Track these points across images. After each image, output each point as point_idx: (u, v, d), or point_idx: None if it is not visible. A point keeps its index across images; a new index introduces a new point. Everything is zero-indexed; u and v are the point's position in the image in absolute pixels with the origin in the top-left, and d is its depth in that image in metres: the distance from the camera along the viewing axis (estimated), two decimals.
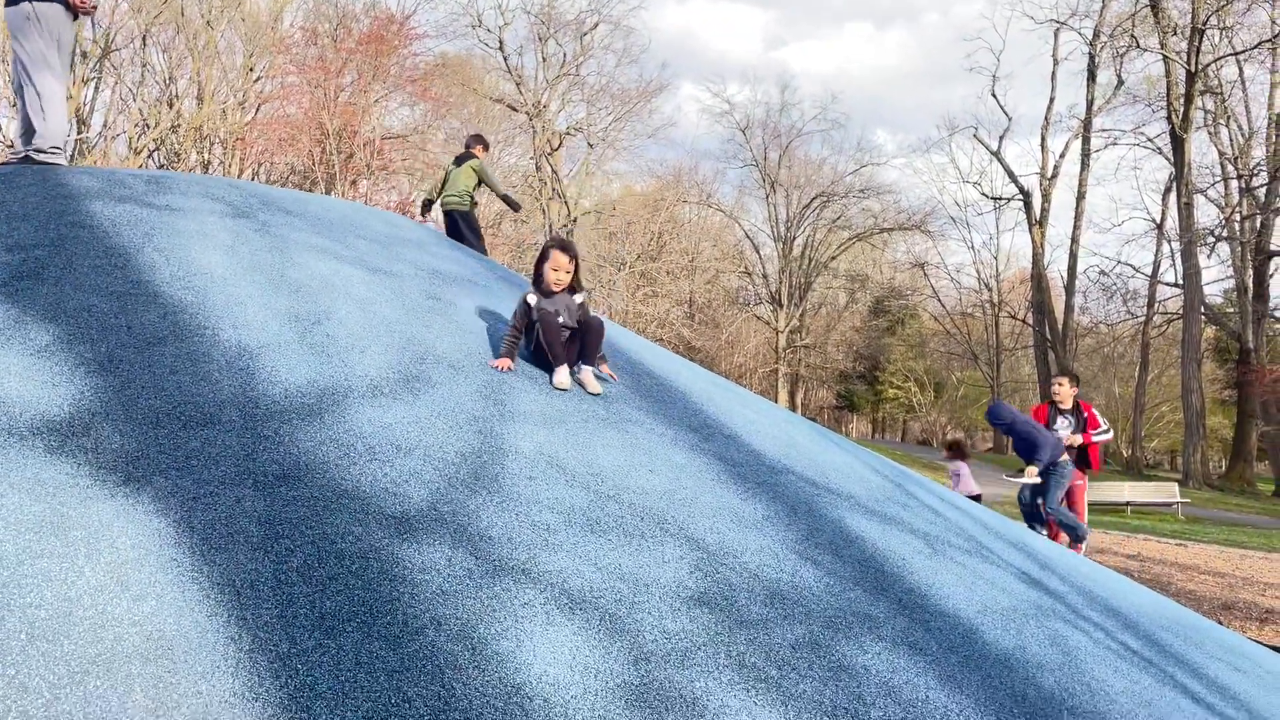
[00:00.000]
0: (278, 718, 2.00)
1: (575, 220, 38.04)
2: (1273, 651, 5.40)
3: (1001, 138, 49.46)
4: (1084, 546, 8.36)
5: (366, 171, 30.56)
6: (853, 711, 2.67)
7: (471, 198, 9.59)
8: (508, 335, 4.24)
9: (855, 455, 5.30)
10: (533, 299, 4.28)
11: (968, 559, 4.13)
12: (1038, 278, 46.73)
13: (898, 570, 3.68)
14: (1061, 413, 8.78)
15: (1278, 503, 34.08)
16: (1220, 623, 7.39)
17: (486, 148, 10.04)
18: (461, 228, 9.34)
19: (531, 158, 41.34)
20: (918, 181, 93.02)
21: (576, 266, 4.41)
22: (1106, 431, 8.70)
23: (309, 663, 2.16)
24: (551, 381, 4.11)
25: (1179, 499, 24.57)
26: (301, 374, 3.42)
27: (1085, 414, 8.67)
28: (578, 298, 4.42)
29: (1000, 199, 51.67)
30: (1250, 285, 38.40)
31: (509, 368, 4.10)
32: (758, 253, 55.40)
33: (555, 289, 4.33)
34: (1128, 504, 24.22)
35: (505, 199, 9.80)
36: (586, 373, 4.25)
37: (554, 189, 38.51)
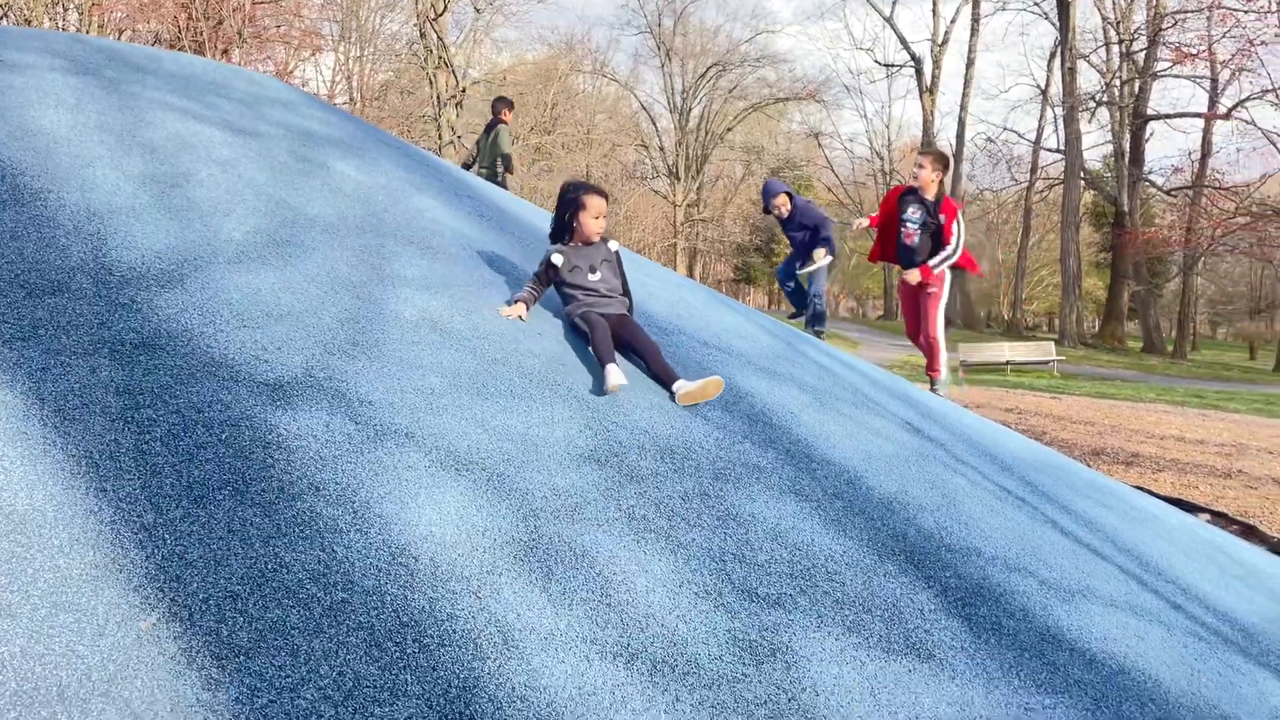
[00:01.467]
0: (144, 588, 1.91)
1: (464, 91, 36.55)
2: (1137, 490, 5.75)
3: (895, 2, 49.22)
4: (823, 335, 7.77)
5: (238, 40, 28.64)
6: (740, 557, 2.72)
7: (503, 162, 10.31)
8: (527, 285, 3.77)
9: (747, 316, 5.32)
10: (559, 258, 3.71)
11: (854, 411, 4.22)
12: (928, 145, 47.33)
13: (786, 423, 3.73)
14: (917, 201, 6.83)
15: (1146, 358, 36.20)
16: (1090, 466, 7.84)
17: (511, 107, 10.77)
18: None
19: (415, 24, 39.30)
20: (812, 49, 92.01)
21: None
22: (952, 254, 6.66)
23: (177, 533, 2.07)
24: (604, 386, 3.35)
25: (1055, 357, 25.84)
26: (159, 239, 3.20)
27: (943, 216, 6.70)
28: (611, 245, 3.88)
29: (892, 66, 51.74)
30: (1127, 150, 39.68)
31: (522, 317, 3.65)
32: (654, 125, 54.60)
33: (595, 239, 3.80)
34: (1008, 363, 25.35)
35: (504, 158, 10.50)
36: (683, 385, 3.55)
37: (440, 58, 36.80)
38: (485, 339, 3.35)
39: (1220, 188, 37.82)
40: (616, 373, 3.36)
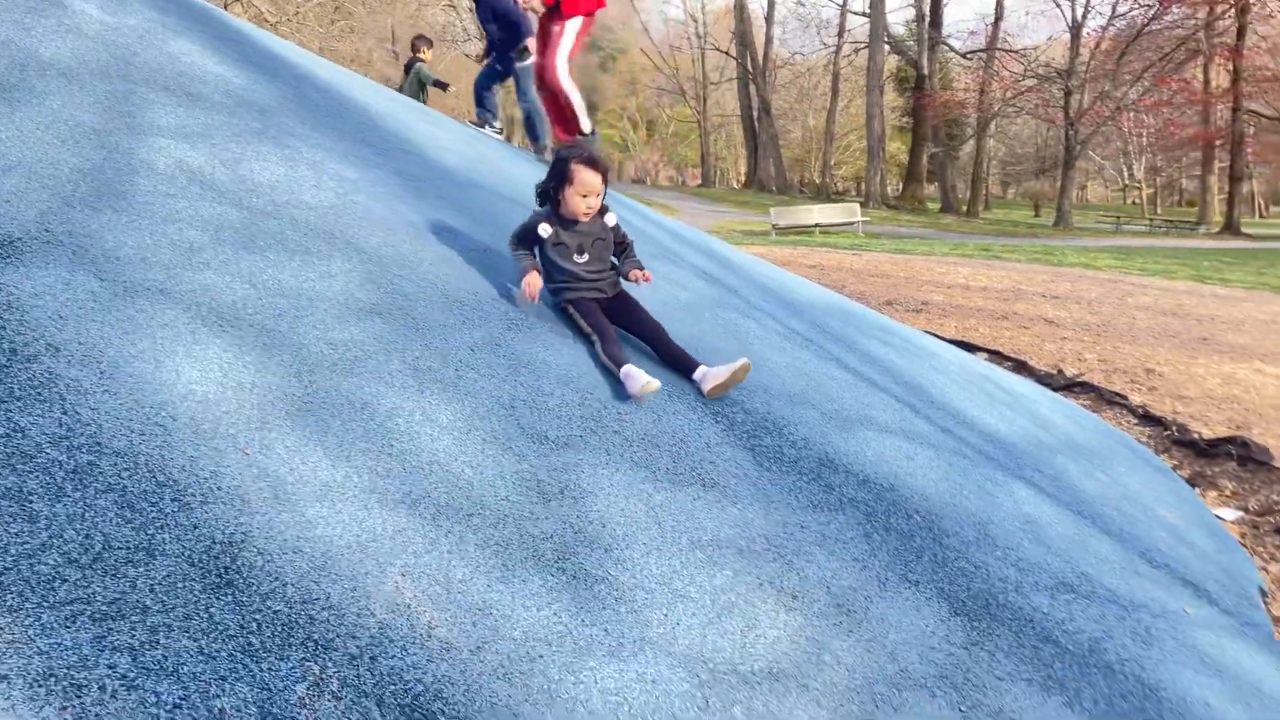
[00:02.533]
0: None
1: None
2: (923, 333, 6.12)
3: None
4: (549, 149, 6.47)
5: None
6: (531, 403, 2.72)
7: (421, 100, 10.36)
8: (521, 258, 3.25)
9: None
10: (547, 230, 3.21)
11: (653, 262, 4.24)
12: (740, 8, 47.23)
13: None
14: None
15: (942, 218, 38.31)
16: (882, 314, 8.28)
17: (431, 45, 11.20)
18: None
19: None
20: None
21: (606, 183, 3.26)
22: None
23: None
24: (630, 392, 2.94)
25: (860, 218, 26.97)
26: None
27: None
28: (609, 219, 3.34)
29: None
30: (927, 13, 40.88)
31: (534, 299, 3.20)
32: None
33: (584, 219, 3.24)
34: (816, 225, 26.27)
35: (436, 84, 10.87)
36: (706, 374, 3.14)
37: None
38: (252, 190, 3.12)
39: (1010, 51, 39.69)
40: (639, 374, 2.94)
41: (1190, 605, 3.22)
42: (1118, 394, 6.72)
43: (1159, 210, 55.33)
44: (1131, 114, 37.69)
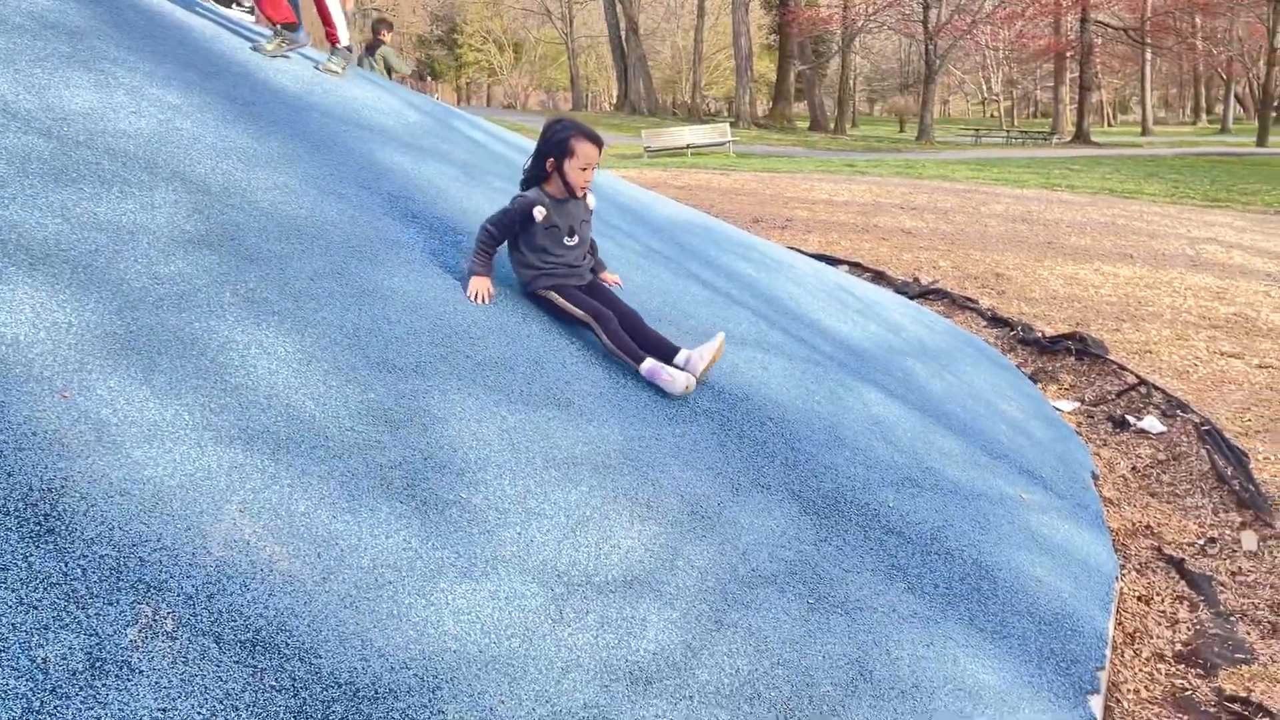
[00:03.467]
0: None
1: None
2: (782, 248, 6.22)
3: None
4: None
5: None
6: (376, 331, 2.65)
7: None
8: (480, 247, 3.06)
9: (393, 92, 5.02)
10: (541, 213, 3.03)
11: (504, 184, 4.17)
12: None
13: (431, 199, 3.62)
14: None
15: (810, 135, 38.79)
16: (749, 233, 8.37)
17: (391, 28, 11.49)
18: None
19: None
20: None
21: None
22: None
23: None
24: (672, 389, 2.94)
25: (730, 138, 27.04)
26: None
27: None
28: (589, 201, 3.22)
29: None
30: None
31: (488, 298, 3.04)
32: None
33: (581, 193, 3.12)
34: (688, 146, 26.25)
35: (399, 71, 10.99)
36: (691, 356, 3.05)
37: None
38: (62, 119, 2.91)
39: None
40: (671, 372, 2.94)
41: (1026, 491, 3.43)
42: (969, 298, 7.01)
43: (1016, 122, 57.36)
44: (987, 27, 38.63)
